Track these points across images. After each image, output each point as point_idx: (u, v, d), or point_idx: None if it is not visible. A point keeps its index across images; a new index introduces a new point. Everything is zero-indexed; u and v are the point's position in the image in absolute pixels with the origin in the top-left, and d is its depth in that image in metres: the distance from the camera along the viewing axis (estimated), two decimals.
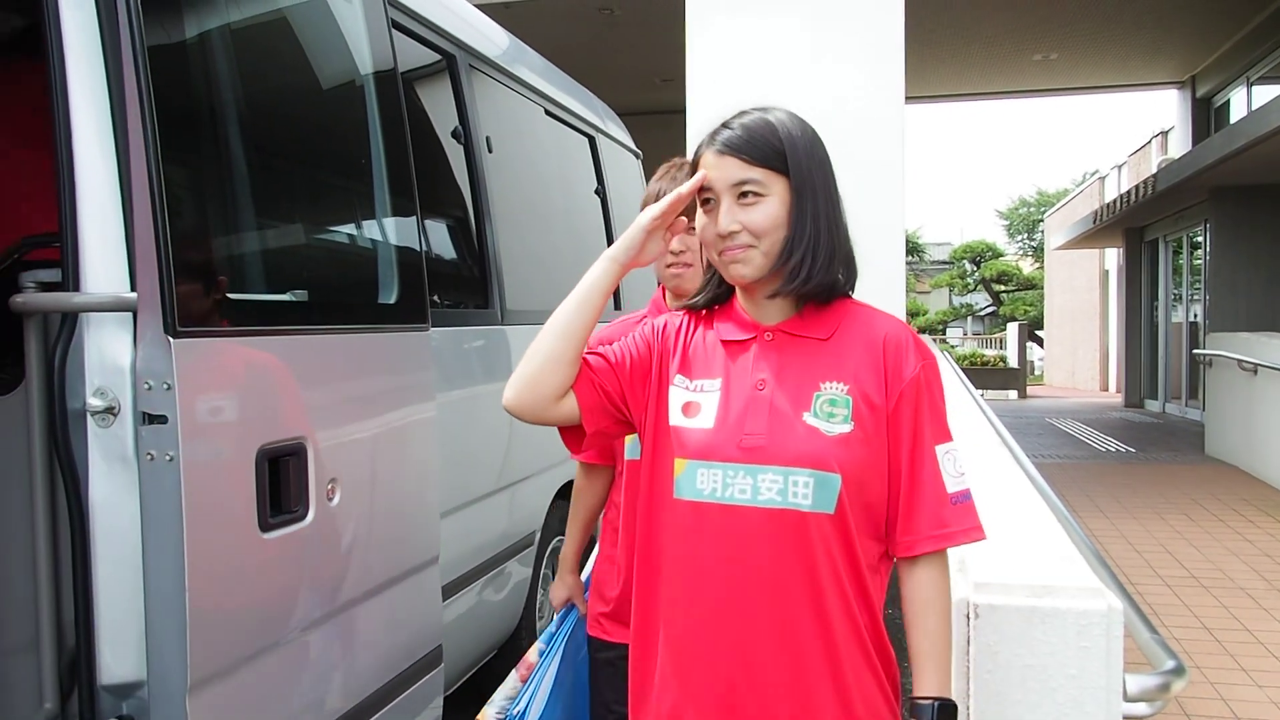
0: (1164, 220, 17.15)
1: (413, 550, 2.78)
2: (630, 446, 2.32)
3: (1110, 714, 1.76)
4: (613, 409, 1.78)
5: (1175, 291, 17.58)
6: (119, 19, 1.92)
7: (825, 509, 1.61)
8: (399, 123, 2.84)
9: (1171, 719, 4.17)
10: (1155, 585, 6.18)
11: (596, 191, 5.52)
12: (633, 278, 2.10)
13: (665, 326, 1.83)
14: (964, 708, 1.83)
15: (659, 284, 2.45)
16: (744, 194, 1.67)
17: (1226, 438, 11.22)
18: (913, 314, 31.85)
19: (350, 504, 2.41)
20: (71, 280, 1.92)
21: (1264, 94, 14.30)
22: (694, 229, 1.80)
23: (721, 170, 1.68)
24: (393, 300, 2.74)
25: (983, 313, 38.85)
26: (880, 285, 4.92)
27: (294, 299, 2.39)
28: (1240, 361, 10.51)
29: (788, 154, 1.67)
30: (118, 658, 1.94)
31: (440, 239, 3.73)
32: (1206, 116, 16.76)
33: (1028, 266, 38.75)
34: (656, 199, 2.36)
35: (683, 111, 5.29)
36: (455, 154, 3.75)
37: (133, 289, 1.92)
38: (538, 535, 4.21)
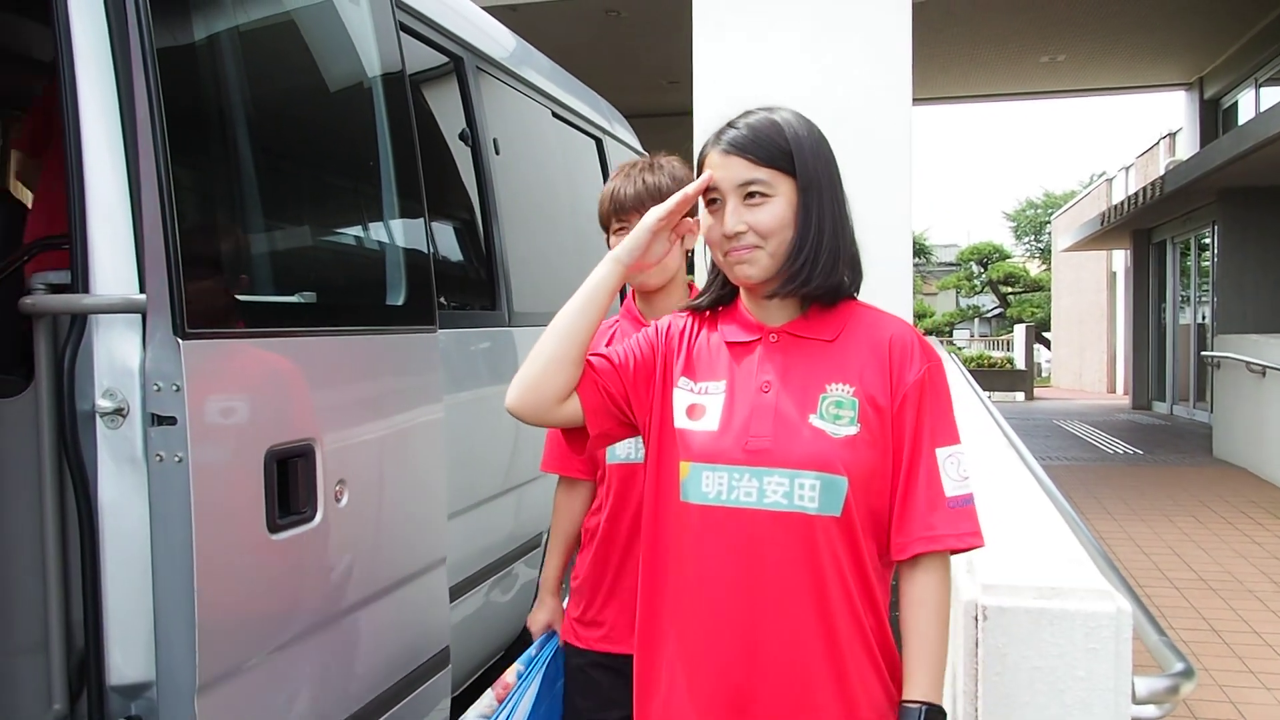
0: (1172, 222, 17.11)
1: (420, 551, 2.78)
2: (609, 451, 2.31)
3: (1119, 716, 1.76)
4: (616, 411, 1.77)
5: (1183, 293, 17.54)
6: (128, 21, 1.93)
7: (831, 512, 1.60)
8: (407, 125, 2.84)
9: None
10: (1163, 588, 6.17)
11: None
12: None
13: (669, 328, 1.82)
14: (972, 709, 1.83)
15: (629, 288, 2.42)
16: (750, 194, 1.66)
17: (1234, 440, 11.19)
18: (920, 316, 31.80)
19: (358, 505, 2.41)
20: (81, 282, 1.93)
21: (1272, 95, 14.28)
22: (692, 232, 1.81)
23: (727, 170, 1.68)
24: (401, 302, 2.74)
25: (990, 314, 38.81)
26: (887, 287, 4.91)
27: (302, 300, 2.40)
28: (1248, 363, 10.48)
29: (794, 154, 1.66)
30: (127, 658, 1.95)
31: (448, 241, 3.73)
32: (1214, 118, 16.74)
33: (1035, 268, 38.69)
34: (611, 200, 2.36)
35: (690, 113, 5.29)
36: (463, 156, 3.75)
37: (142, 291, 1.92)
38: (545, 537, 4.21)
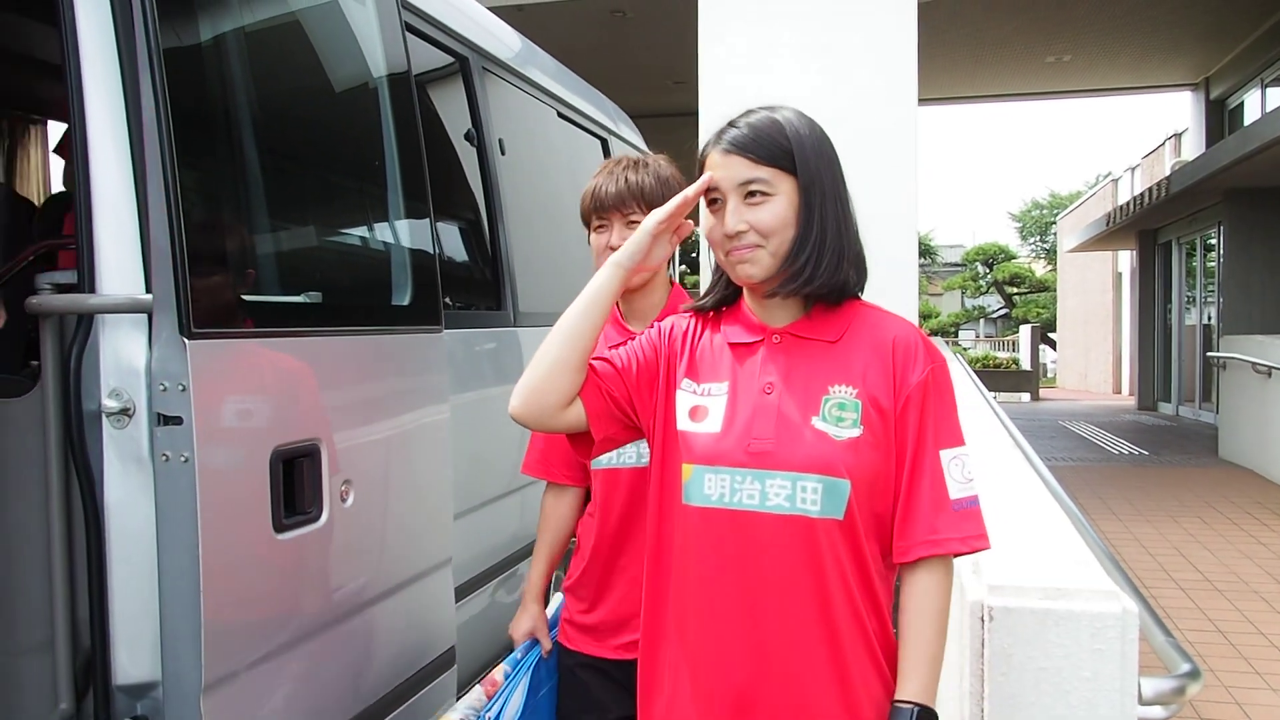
0: (1177, 222, 17.09)
1: (426, 552, 2.79)
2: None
3: (1125, 717, 1.75)
4: (620, 415, 1.76)
5: (1189, 294, 17.51)
6: (134, 21, 1.93)
7: (834, 515, 1.60)
8: (413, 125, 2.84)
9: None
10: (1169, 588, 6.16)
11: None
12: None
13: (672, 329, 1.81)
14: (978, 710, 1.83)
15: None
16: (751, 193, 1.65)
17: (1240, 440, 11.17)
18: (925, 316, 31.78)
19: (364, 505, 2.42)
20: (87, 282, 1.93)
21: (1278, 96, 14.26)
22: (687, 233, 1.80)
23: (728, 170, 1.67)
24: (406, 302, 2.74)
25: (995, 315, 38.76)
26: (893, 287, 4.93)
27: (308, 300, 2.40)
28: (1254, 364, 10.46)
29: (795, 153, 1.65)
30: (132, 658, 1.95)
31: (453, 241, 3.73)
32: (1220, 118, 16.71)
33: (1040, 269, 38.64)
34: (592, 197, 2.34)
35: (695, 114, 5.29)
36: (468, 156, 3.75)
37: (148, 291, 1.93)
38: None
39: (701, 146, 1.75)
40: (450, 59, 3.66)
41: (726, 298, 1.79)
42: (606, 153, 5.54)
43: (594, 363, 1.76)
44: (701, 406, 1.71)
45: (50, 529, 2.00)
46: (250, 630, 2.08)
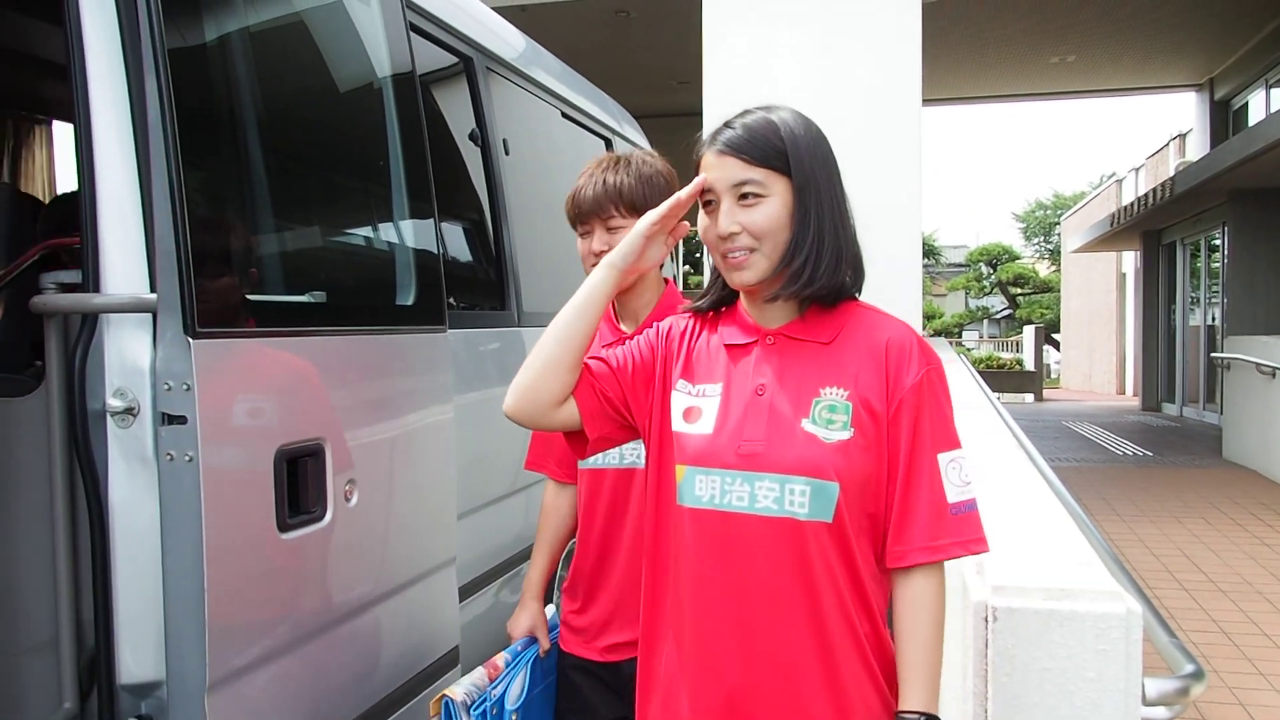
0: (1182, 223, 17.07)
1: (430, 551, 2.79)
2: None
3: (1129, 717, 1.75)
4: (615, 414, 1.77)
5: (1193, 294, 17.50)
6: (139, 21, 1.93)
7: (823, 518, 1.59)
8: (417, 125, 2.85)
9: None
10: (1173, 589, 6.15)
11: None
12: None
13: (670, 329, 1.81)
14: (981, 710, 1.82)
15: None
16: (744, 195, 1.64)
17: (1244, 441, 11.15)
18: (929, 316, 31.77)
19: (368, 505, 2.42)
20: (91, 281, 1.93)
21: None
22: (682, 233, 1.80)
23: (722, 170, 1.66)
24: (410, 302, 2.75)
25: (999, 315, 38.74)
26: (897, 287, 4.93)
27: (312, 300, 2.40)
28: (1259, 365, 10.45)
29: (789, 153, 1.65)
30: (137, 657, 1.95)
31: (457, 241, 3.73)
32: (1225, 119, 16.70)
33: (1044, 269, 38.62)
34: (571, 203, 2.33)
35: (699, 114, 5.29)
36: (472, 156, 3.76)
37: (152, 290, 1.93)
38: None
39: (697, 147, 1.74)
40: (454, 59, 3.66)
41: (724, 299, 1.79)
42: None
43: (589, 362, 1.77)
44: (695, 407, 1.71)
45: (55, 528, 2.00)
46: (254, 629, 2.08)
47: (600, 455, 2.20)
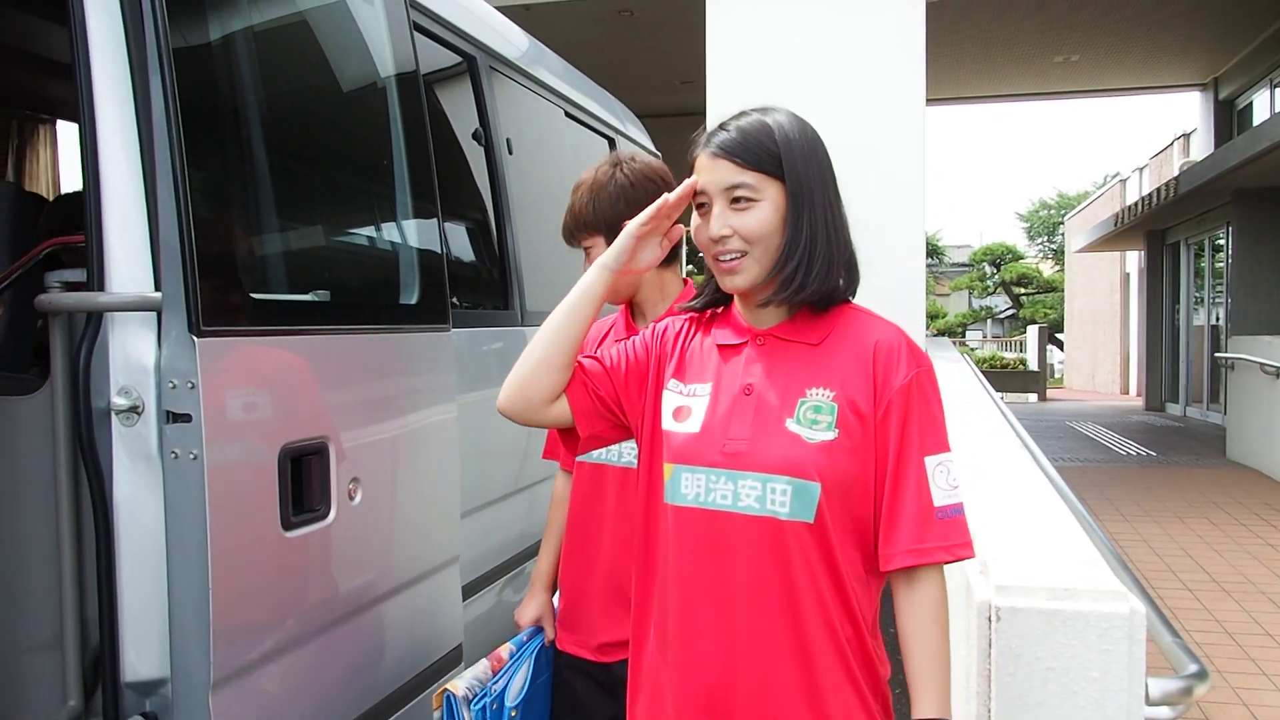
0: (1186, 223, 17.06)
1: (433, 550, 2.79)
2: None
3: (1132, 717, 1.75)
4: (606, 413, 1.78)
5: (1197, 294, 17.48)
6: (144, 21, 1.94)
7: (804, 518, 1.59)
8: (421, 124, 2.85)
9: None
10: (1176, 589, 6.14)
11: None
12: None
13: (665, 330, 1.82)
14: (985, 710, 1.83)
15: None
16: (736, 199, 1.64)
17: (1248, 441, 11.14)
18: (932, 316, 31.74)
19: (372, 503, 2.42)
20: (96, 280, 1.94)
21: None
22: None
23: (714, 174, 1.66)
24: (414, 301, 2.75)
25: (1002, 315, 38.70)
26: (900, 287, 4.93)
27: (316, 299, 2.40)
28: (1262, 365, 10.44)
29: (783, 157, 1.64)
30: (141, 655, 1.96)
31: (461, 240, 3.74)
32: (1229, 119, 16.68)
33: (1048, 269, 38.60)
34: (562, 227, 2.38)
35: (703, 114, 5.28)
36: (476, 155, 3.76)
37: (157, 289, 1.93)
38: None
39: (691, 148, 1.74)
40: (458, 58, 3.66)
41: (718, 299, 1.79)
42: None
43: (583, 361, 1.78)
44: (685, 406, 1.72)
45: (59, 526, 2.00)
46: (258, 627, 2.08)
47: (603, 451, 2.22)
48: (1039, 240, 44.51)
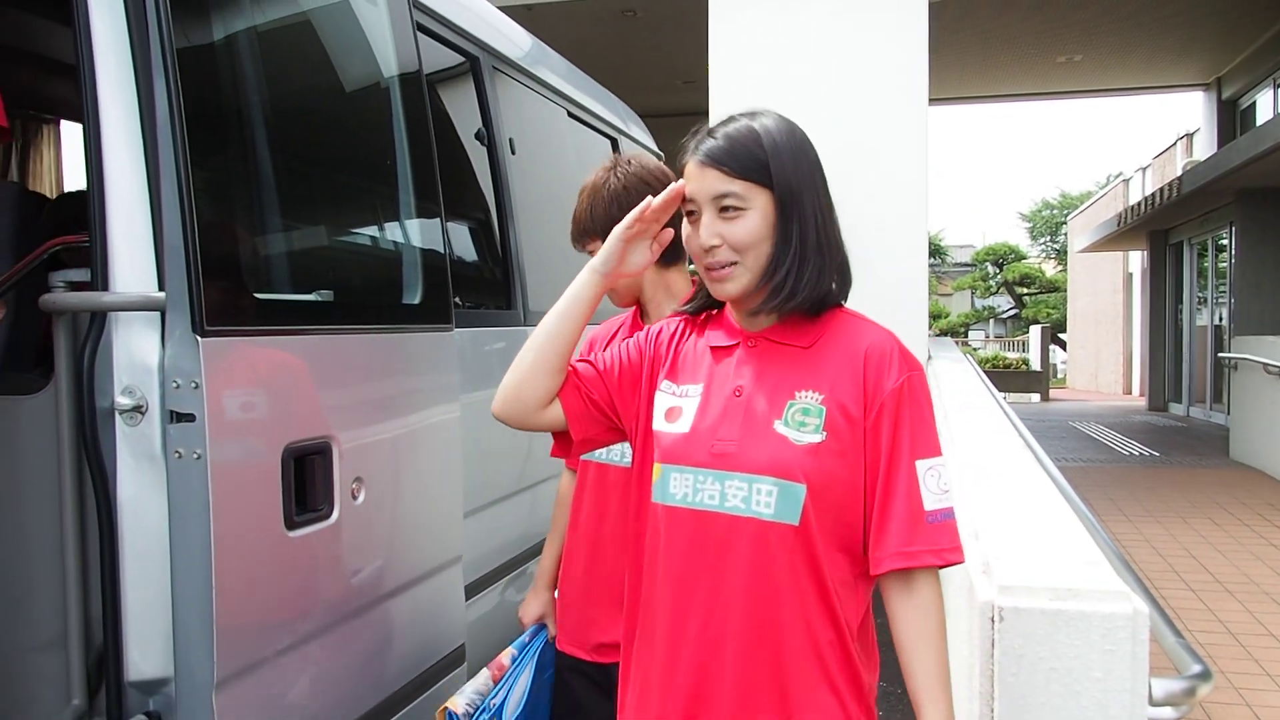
0: (1189, 223, 17.04)
1: (436, 549, 2.79)
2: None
3: (1135, 718, 1.75)
4: (600, 416, 1.78)
5: (1200, 294, 17.46)
6: (148, 21, 1.94)
7: (789, 520, 1.58)
8: (424, 124, 2.85)
9: None
10: (1179, 590, 6.14)
11: None
12: None
13: (660, 332, 1.82)
14: (988, 710, 1.82)
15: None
16: (725, 207, 1.62)
17: (1252, 441, 11.13)
18: (935, 316, 31.71)
19: (375, 503, 2.42)
20: (100, 280, 1.94)
21: None
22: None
23: (702, 182, 1.64)
24: (417, 301, 2.75)
25: (1005, 315, 38.67)
26: (903, 287, 4.93)
27: (320, 299, 2.41)
28: (1266, 365, 10.43)
29: (771, 165, 1.62)
30: (145, 654, 1.96)
31: (464, 240, 3.74)
32: (1232, 118, 16.66)
33: (1050, 269, 38.55)
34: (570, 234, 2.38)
35: (705, 114, 5.28)
36: (479, 155, 3.76)
37: (161, 288, 1.94)
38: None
39: (681, 153, 1.72)
40: (461, 58, 3.67)
41: (711, 303, 1.79)
42: (616, 152, 5.54)
43: (576, 365, 1.78)
44: (676, 407, 1.72)
45: (63, 526, 2.01)
46: (262, 627, 2.08)
47: (605, 451, 2.22)
48: (1042, 240, 44.44)
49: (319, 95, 2.61)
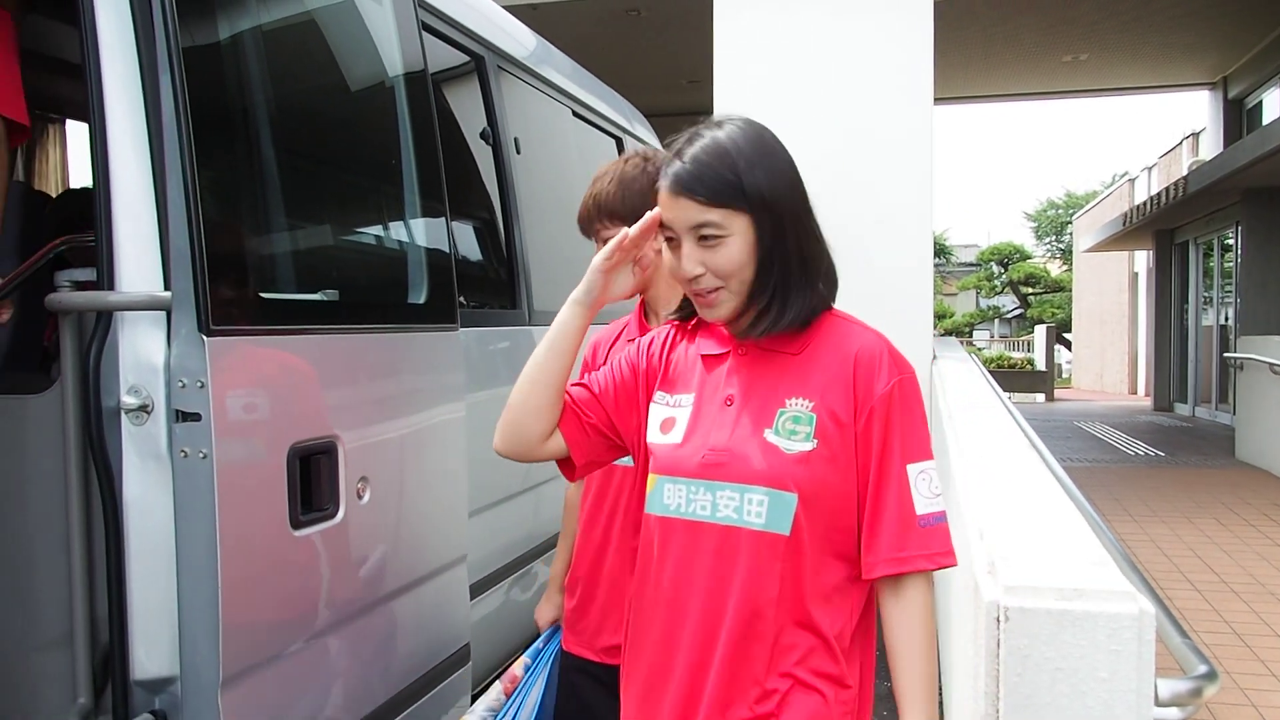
0: (1195, 222, 17.00)
1: (441, 549, 2.80)
2: None
3: (1141, 718, 1.75)
4: (600, 440, 1.77)
5: (1206, 294, 17.42)
6: (154, 21, 1.94)
7: (780, 530, 1.58)
8: (429, 124, 2.85)
9: None
10: (1184, 590, 6.13)
11: None
12: None
13: (651, 343, 1.81)
14: (993, 710, 1.82)
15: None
16: (704, 236, 1.60)
17: (1257, 442, 11.10)
18: (940, 316, 31.67)
19: (380, 502, 2.43)
20: (106, 279, 1.95)
21: None
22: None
23: (677, 212, 1.61)
24: (422, 300, 2.75)
25: (1010, 315, 38.64)
26: (908, 287, 4.92)
27: (325, 299, 2.41)
28: (1271, 365, 10.40)
29: (745, 186, 1.58)
30: (150, 653, 1.96)
31: (469, 239, 3.74)
32: (1238, 118, 16.62)
33: (1056, 269, 38.50)
34: (578, 219, 2.35)
35: (710, 112, 5.28)
36: (484, 155, 3.76)
37: (167, 288, 1.94)
38: (561, 532, 4.22)
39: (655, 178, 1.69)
40: (466, 58, 3.67)
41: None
42: (621, 152, 5.55)
43: (571, 390, 1.77)
44: (671, 418, 1.72)
45: (69, 525, 2.01)
46: (267, 626, 2.09)
47: None
48: (1047, 240, 44.38)
49: (324, 94, 2.61)
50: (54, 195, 4.44)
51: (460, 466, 2.88)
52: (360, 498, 2.33)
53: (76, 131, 4.78)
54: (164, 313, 1.95)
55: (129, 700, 1.97)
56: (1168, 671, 1.82)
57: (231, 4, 2.24)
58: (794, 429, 1.60)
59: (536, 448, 1.74)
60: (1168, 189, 15.62)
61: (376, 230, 2.83)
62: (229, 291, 2.00)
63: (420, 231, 2.84)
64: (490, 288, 3.83)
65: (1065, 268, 36.96)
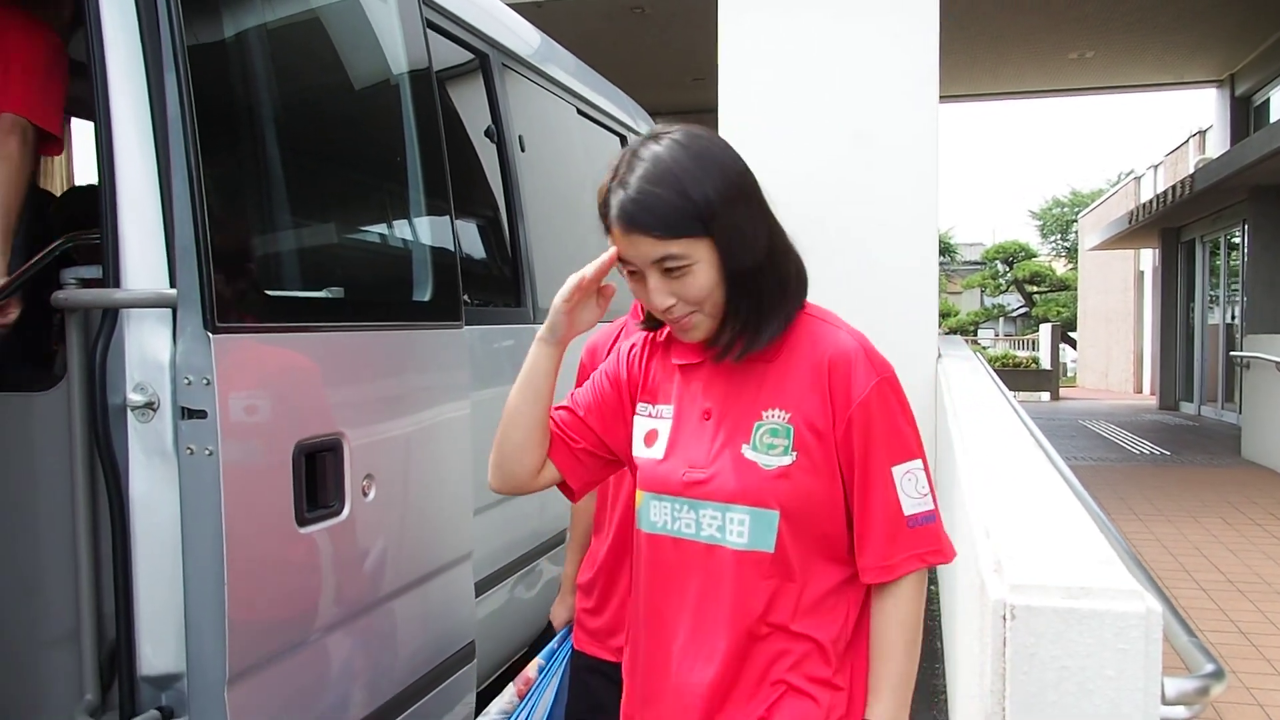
0: (1201, 220, 16.96)
1: (446, 546, 2.80)
2: None
3: (1148, 717, 1.74)
4: (593, 461, 1.76)
5: (1212, 293, 17.38)
6: (159, 19, 1.95)
7: (763, 547, 1.58)
8: (434, 122, 2.85)
9: None
10: (1190, 589, 6.12)
11: None
12: None
13: (629, 352, 1.78)
14: (999, 708, 1.82)
15: None
16: (668, 269, 1.54)
17: (1263, 440, 11.08)
18: (945, 314, 31.65)
19: (385, 500, 2.43)
20: (112, 277, 1.95)
21: None
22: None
23: (635, 249, 1.55)
24: (427, 298, 2.75)
25: (1015, 314, 38.56)
26: (913, 285, 4.92)
27: (330, 296, 2.41)
28: (1278, 364, 10.37)
29: (699, 210, 1.51)
30: (157, 649, 1.97)
31: (473, 237, 3.74)
32: (1246, 115, 16.58)
33: (1061, 267, 38.45)
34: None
35: (714, 110, 5.28)
36: (488, 153, 3.76)
37: (172, 285, 1.94)
38: (569, 533, 4.22)
39: (601, 199, 1.60)
40: (470, 56, 3.67)
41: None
42: None
43: (555, 415, 1.75)
44: (653, 430, 1.70)
45: (76, 522, 2.01)
46: (273, 623, 2.09)
47: None
48: (1052, 238, 44.31)
49: (328, 92, 2.61)
50: (59, 193, 4.45)
51: (465, 464, 2.88)
52: (365, 495, 2.34)
53: (81, 129, 4.78)
54: (169, 310, 1.95)
55: (135, 696, 1.97)
56: (1174, 670, 1.82)
57: (236, 2, 2.24)
58: (771, 442, 1.58)
59: (530, 482, 1.73)
60: (1174, 187, 15.58)
61: (381, 228, 2.83)
62: (234, 289, 2.00)
63: (425, 229, 2.84)
64: (495, 285, 3.83)
65: (1070, 266, 36.92)
